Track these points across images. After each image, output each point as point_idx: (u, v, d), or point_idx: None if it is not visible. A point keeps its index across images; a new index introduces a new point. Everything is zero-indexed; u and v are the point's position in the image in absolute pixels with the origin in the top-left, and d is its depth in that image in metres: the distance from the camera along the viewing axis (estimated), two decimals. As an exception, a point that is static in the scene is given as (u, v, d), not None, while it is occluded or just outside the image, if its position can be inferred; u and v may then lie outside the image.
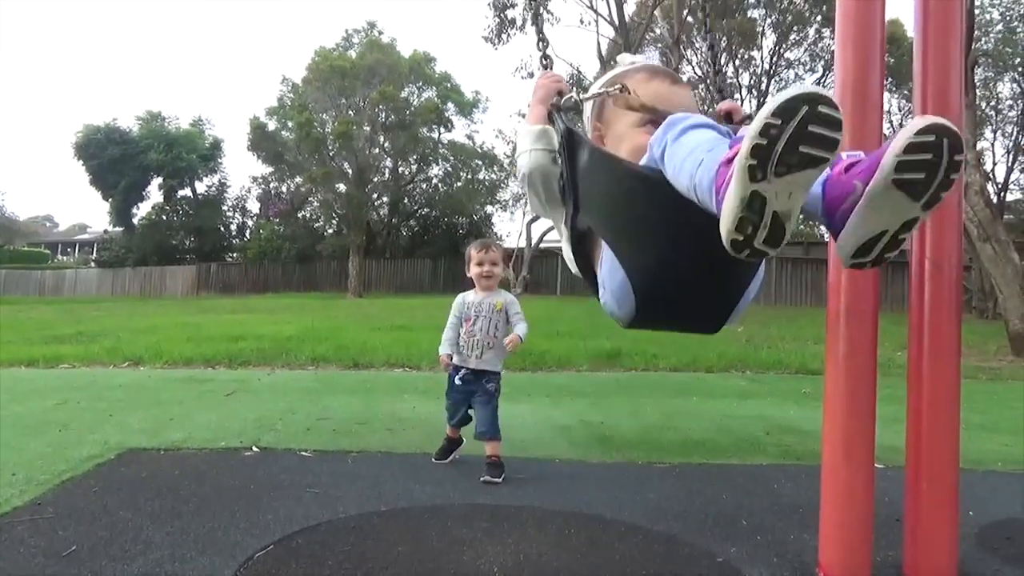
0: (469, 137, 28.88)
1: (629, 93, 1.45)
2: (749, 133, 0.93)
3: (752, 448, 3.66)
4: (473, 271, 3.19)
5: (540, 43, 1.78)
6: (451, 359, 3.15)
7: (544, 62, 1.74)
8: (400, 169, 28.74)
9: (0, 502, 2.48)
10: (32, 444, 3.34)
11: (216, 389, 5.19)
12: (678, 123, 1.17)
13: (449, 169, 28.75)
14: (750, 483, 3.00)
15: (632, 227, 1.33)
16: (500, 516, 2.49)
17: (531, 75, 20.39)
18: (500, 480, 2.91)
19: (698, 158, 1.07)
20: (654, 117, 1.38)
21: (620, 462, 3.33)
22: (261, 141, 27.57)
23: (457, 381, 3.16)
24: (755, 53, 21.68)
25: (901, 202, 0.97)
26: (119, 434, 3.59)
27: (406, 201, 30.00)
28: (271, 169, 29.97)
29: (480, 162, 28.79)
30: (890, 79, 19.27)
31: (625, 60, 1.65)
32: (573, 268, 1.57)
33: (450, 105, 27.56)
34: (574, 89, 1.62)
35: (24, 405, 4.38)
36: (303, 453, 3.31)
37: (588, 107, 1.60)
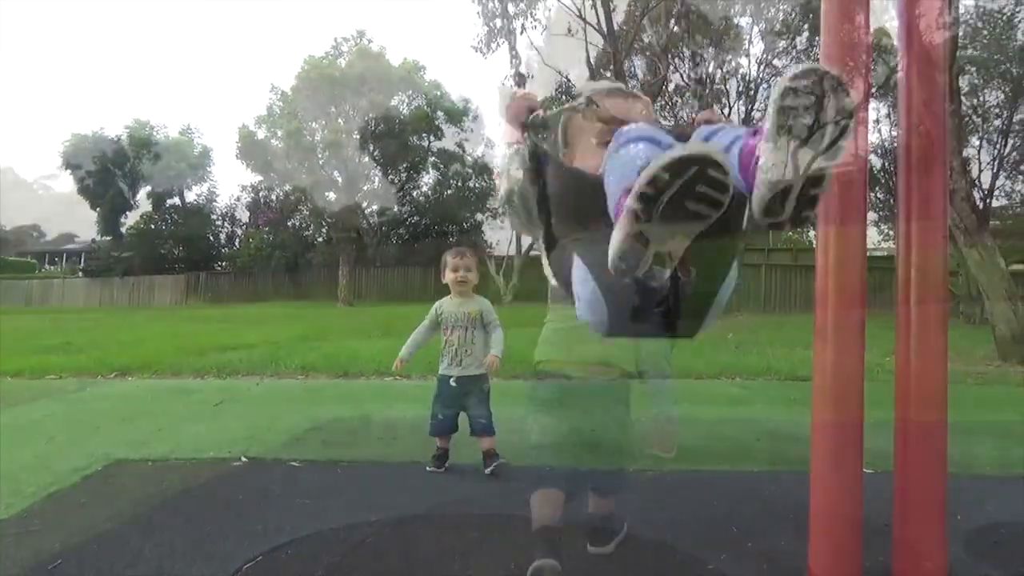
0: (459, 145, 28.92)
1: (597, 106, 1.56)
2: (640, 179, 0.98)
3: (742, 455, 3.67)
4: (448, 276, 3.25)
5: (513, 60, 1.82)
6: (403, 363, 3.24)
7: (517, 79, 1.78)
8: (390, 177, 28.74)
9: (-15, 515, 2.45)
10: (18, 456, 3.31)
11: (204, 399, 5.15)
12: (621, 136, 1.23)
13: (439, 177, 28.77)
14: (740, 490, 3.00)
15: (597, 237, 1.22)
16: (491, 525, 2.49)
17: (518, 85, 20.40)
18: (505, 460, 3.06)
19: (619, 175, 1.13)
20: (618, 128, 1.35)
21: (611, 469, 3.32)
22: (250, 150, 27.47)
23: (452, 383, 3.17)
24: (743, 60, 21.85)
25: (793, 148, 0.98)
26: (106, 446, 3.56)
27: (396, 209, 29.98)
28: (260, 178, 29.90)
29: (470, 170, 28.83)
30: (875, 87, 19.44)
31: (587, 86, 1.82)
32: (553, 281, 1.61)
33: (440, 113, 27.61)
34: (543, 108, 1.63)
35: (10, 416, 4.33)
36: (292, 463, 3.29)
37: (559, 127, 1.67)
